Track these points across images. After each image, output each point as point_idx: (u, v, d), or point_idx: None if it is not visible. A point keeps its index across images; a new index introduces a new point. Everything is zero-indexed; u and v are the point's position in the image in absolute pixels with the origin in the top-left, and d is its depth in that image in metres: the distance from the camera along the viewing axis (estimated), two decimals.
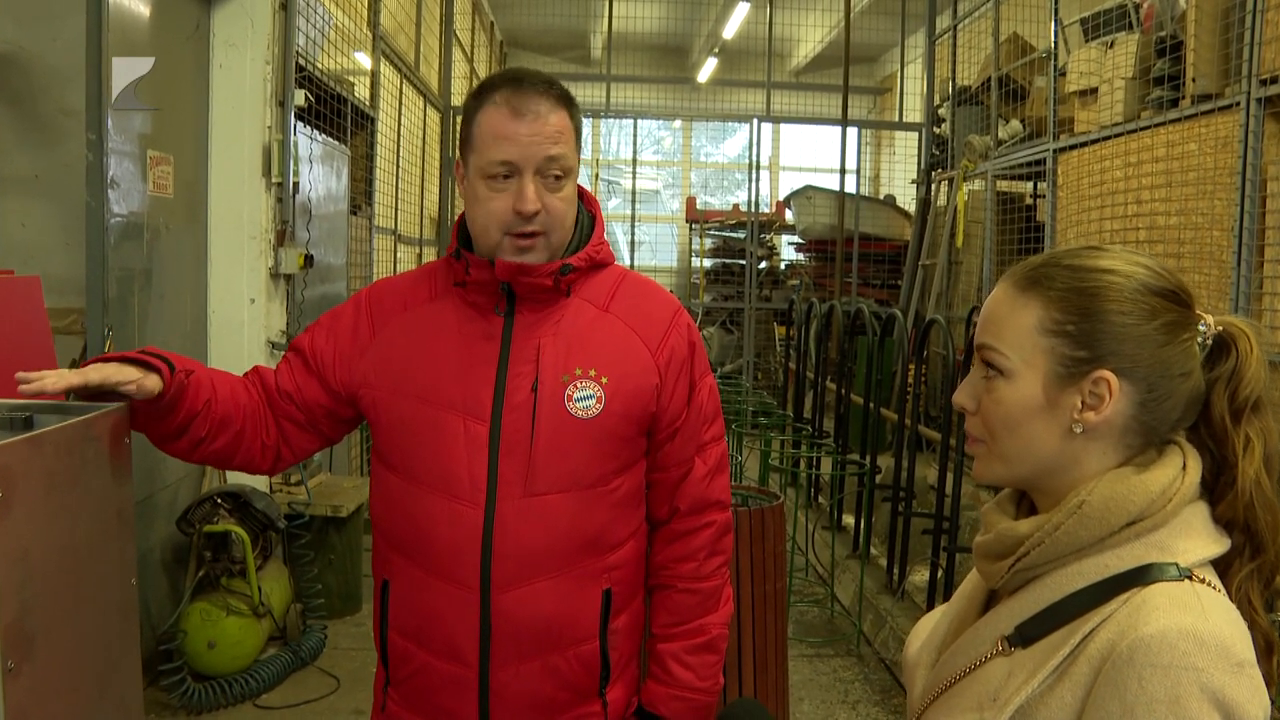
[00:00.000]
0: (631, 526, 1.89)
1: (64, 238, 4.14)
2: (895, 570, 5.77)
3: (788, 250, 14.56)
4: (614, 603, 1.86)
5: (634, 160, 12.85)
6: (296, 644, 4.71)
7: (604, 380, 1.79)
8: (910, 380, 6.31)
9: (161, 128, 4.45)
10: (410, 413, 1.82)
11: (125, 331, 4.18)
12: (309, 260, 5.31)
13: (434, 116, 10.10)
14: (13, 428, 1.60)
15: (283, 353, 2.02)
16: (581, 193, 1.88)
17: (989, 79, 8.78)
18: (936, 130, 10.80)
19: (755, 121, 12.04)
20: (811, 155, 16.26)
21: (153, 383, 1.66)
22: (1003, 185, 8.72)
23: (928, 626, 1.42)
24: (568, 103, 1.79)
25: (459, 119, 1.85)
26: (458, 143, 1.84)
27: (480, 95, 1.77)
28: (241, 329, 5.00)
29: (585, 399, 1.78)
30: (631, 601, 1.92)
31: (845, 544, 6.64)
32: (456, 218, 1.89)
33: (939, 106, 10.78)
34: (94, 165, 3.99)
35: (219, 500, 4.47)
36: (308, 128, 5.54)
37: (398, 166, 8.18)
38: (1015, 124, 8.46)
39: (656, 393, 1.84)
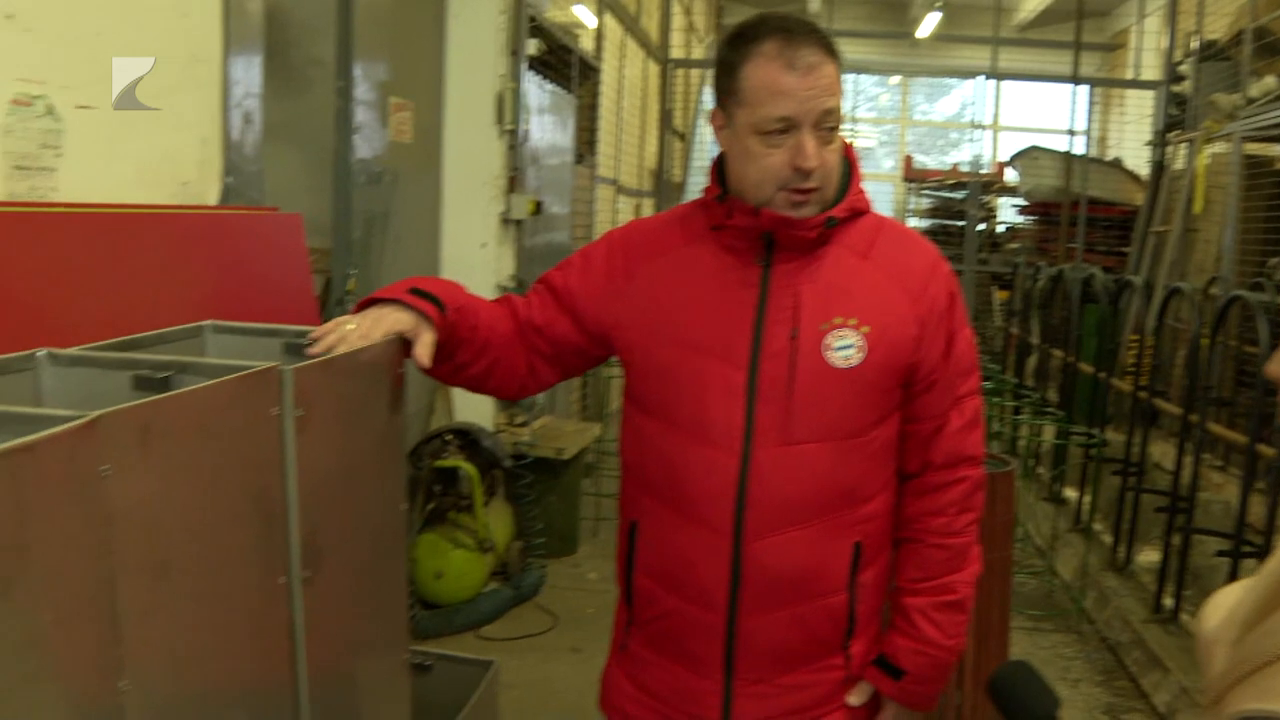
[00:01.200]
0: (884, 478, 1.85)
1: (306, 181, 4.32)
2: (1121, 548, 5.52)
3: (1006, 212, 14.05)
4: (863, 555, 1.82)
5: (853, 117, 12.61)
6: (518, 580, 4.85)
7: (865, 330, 1.75)
8: (1149, 351, 6.01)
9: (401, 76, 4.59)
10: (667, 358, 1.80)
11: (366, 272, 4.35)
12: (539, 207, 5.42)
13: (653, 69, 10.13)
14: (299, 353, 1.68)
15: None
16: None
17: (1240, 31, 8.20)
18: (1175, 88, 10.17)
19: (981, 78, 11.64)
20: (1033, 114, 15.60)
21: (427, 343, 1.70)
22: (1250, 148, 8.15)
23: (1227, 601, 1.33)
24: (834, 51, 1.72)
25: (680, 72, 1.80)
26: (715, 90, 1.79)
27: (743, 45, 1.70)
28: (472, 272, 5.12)
29: (845, 348, 1.74)
30: (880, 555, 1.88)
31: (1065, 517, 6.40)
32: (713, 161, 1.86)
33: (1180, 63, 10.15)
34: (342, 111, 4.15)
35: (448, 437, 4.63)
36: (537, 77, 5.63)
37: (619, 118, 8.24)
38: (1269, 80, 7.87)
39: (916, 344, 1.78)
